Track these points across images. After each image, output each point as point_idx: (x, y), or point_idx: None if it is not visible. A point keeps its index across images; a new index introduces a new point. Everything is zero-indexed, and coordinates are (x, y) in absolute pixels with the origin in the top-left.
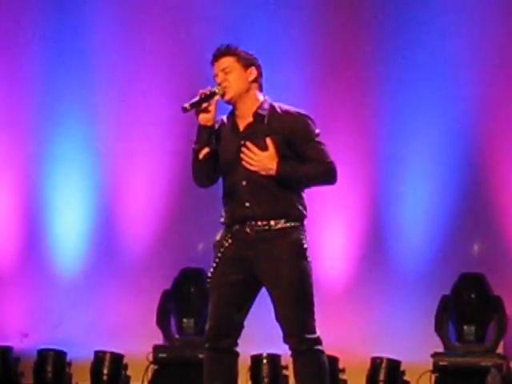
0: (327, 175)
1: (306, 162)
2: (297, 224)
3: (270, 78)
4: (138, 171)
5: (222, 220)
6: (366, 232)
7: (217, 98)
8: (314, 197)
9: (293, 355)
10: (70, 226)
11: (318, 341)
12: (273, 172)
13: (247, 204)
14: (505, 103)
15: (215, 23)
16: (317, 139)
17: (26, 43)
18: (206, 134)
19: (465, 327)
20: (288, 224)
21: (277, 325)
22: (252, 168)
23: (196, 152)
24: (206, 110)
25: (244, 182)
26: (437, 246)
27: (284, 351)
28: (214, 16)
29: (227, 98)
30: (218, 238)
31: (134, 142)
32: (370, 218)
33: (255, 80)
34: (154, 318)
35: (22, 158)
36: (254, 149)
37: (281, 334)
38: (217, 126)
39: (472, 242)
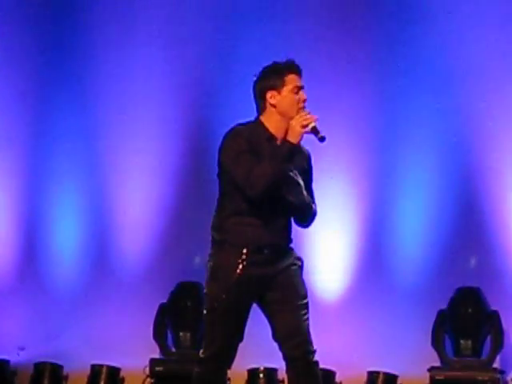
0: (309, 211)
1: None
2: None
3: None
4: (134, 185)
5: (226, 237)
6: (363, 246)
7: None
8: None
9: (294, 367)
10: (67, 239)
11: (315, 353)
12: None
13: (280, 232)
14: (503, 116)
15: (212, 32)
16: (313, 181)
17: (23, 55)
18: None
19: (461, 341)
20: (291, 245)
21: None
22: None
23: (275, 184)
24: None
25: (281, 210)
26: (434, 261)
27: (281, 365)
28: (210, 25)
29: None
30: (224, 259)
31: (131, 157)
32: (367, 231)
33: None
34: (151, 332)
35: (18, 172)
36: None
37: (277, 347)
38: (249, 132)
39: (469, 257)
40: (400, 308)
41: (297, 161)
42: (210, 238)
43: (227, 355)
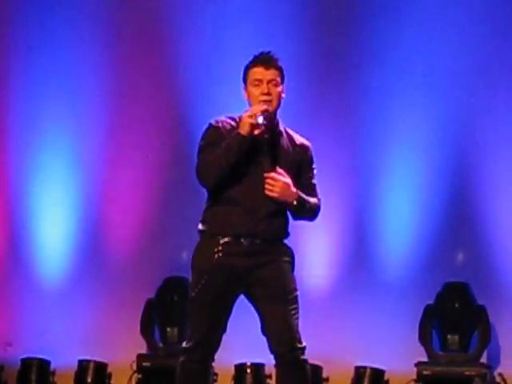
0: (317, 212)
1: (302, 190)
2: (286, 239)
3: None
4: (122, 181)
5: (207, 228)
6: (350, 241)
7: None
8: None
9: (281, 364)
10: (54, 235)
11: (304, 350)
12: (292, 199)
13: (263, 221)
14: (491, 113)
15: (203, 37)
16: (315, 171)
17: (13, 53)
18: (246, 148)
19: (448, 336)
20: (282, 238)
21: (260, 333)
22: (273, 195)
23: (228, 161)
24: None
25: (266, 201)
26: (421, 256)
27: (268, 360)
28: (198, 28)
29: (271, 110)
30: (202, 249)
31: (119, 152)
32: (354, 227)
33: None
34: (138, 327)
35: (6, 166)
36: (278, 177)
37: (265, 343)
38: (228, 126)
39: (456, 252)
40: (387, 303)
41: (287, 154)
42: None
43: (209, 346)
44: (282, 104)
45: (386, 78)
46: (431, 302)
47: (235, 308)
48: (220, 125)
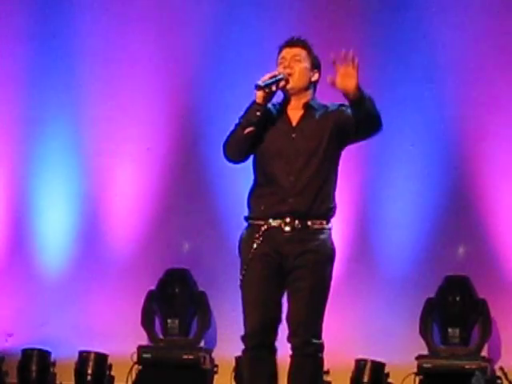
0: (379, 117)
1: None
2: (328, 225)
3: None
4: (123, 172)
5: (250, 214)
6: (351, 234)
7: (282, 83)
8: None
9: (293, 356)
10: (55, 226)
11: (321, 347)
12: (355, 88)
13: (290, 200)
14: (490, 108)
15: (202, 26)
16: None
17: (12, 43)
18: (260, 113)
19: (449, 330)
20: (323, 226)
21: None
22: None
23: (243, 126)
24: (270, 91)
25: (292, 178)
26: (422, 249)
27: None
28: (201, 19)
29: (289, 86)
30: (245, 235)
31: (120, 144)
32: (355, 220)
33: (315, 83)
34: (139, 319)
35: (7, 158)
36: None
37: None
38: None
39: (457, 245)
40: (388, 296)
41: (326, 117)
42: None
43: (264, 333)
44: (312, 82)
45: (387, 72)
46: (432, 295)
47: (233, 298)
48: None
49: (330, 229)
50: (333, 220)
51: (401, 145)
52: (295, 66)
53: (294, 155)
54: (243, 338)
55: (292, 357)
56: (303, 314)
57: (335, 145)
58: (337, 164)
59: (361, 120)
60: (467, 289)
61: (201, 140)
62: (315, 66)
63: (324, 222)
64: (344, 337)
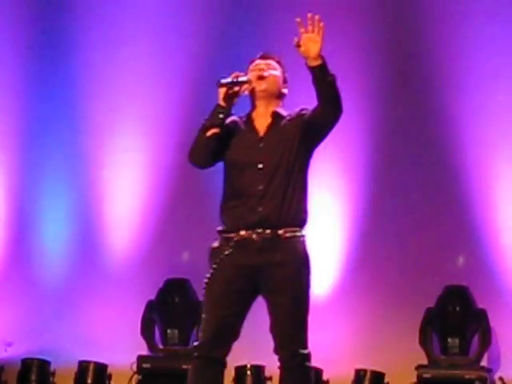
0: (340, 95)
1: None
2: (301, 233)
3: None
4: (123, 182)
5: (222, 227)
6: (350, 244)
7: (246, 86)
8: None
9: (281, 368)
10: (54, 235)
11: (308, 357)
12: (318, 52)
13: (260, 209)
14: (491, 113)
15: (202, 33)
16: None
17: (12, 52)
18: (222, 115)
19: (449, 340)
20: (295, 234)
21: (261, 336)
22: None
23: (205, 128)
24: (233, 93)
25: (260, 187)
26: (421, 259)
27: (268, 362)
28: (200, 26)
29: (261, 87)
30: (215, 244)
31: (119, 153)
32: (355, 230)
33: (284, 96)
34: (139, 328)
35: (6, 169)
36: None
37: (265, 344)
38: (227, 120)
39: (456, 255)
40: (388, 306)
41: (292, 122)
42: None
43: (217, 345)
44: (282, 93)
45: (385, 82)
46: (431, 305)
47: None
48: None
49: (303, 236)
50: (333, 230)
51: (402, 153)
52: (270, 71)
53: (261, 165)
54: (196, 346)
55: (280, 369)
56: (287, 327)
57: (304, 151)
58: (306, 171)
59: (320, 94)
60: (467, 298)
61: None
62: (285, 80)
63: (297, 230)
64: (343, 347)
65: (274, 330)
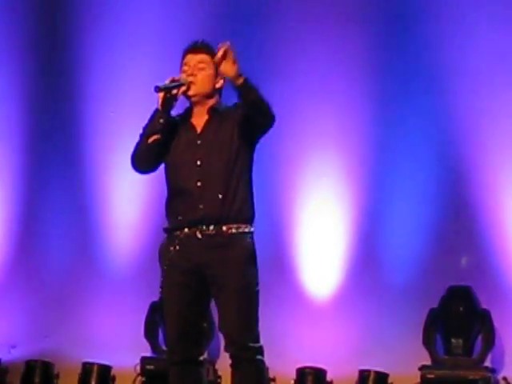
0: (269, 106)
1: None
2: (248, 229)
3: None
4: (123, 183)
5: (167, 225)
6: (354, 244)
7: (183, 89)
8: (304, 207)
9: (233, 363)
10: (58, 237)
11: (260, 350)
12: (236, 72)
13: (201, 206)
14: (492, 116)
15: (196, 34)
16: None
17: (11, 54)
18: (163, 120)
19: (452, 340)
20: (240, 230)
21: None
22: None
23: (147, 135)
24: (171, 96)
25: (199, 183)
26: (425, 259)
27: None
28: (193, 26)
29: (190, 93)
30: (162, 246)
31: (119, 155)
32: (359, 230)
33: (220, 89)
34: (142, 330)
35: (5, 171)
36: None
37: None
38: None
39: (460, 255)
40: (391, 307)
41: (229, 117)
42: None
43: (184, 347)
44: (217, 89)
45: (392, 84)
46: (435, 305)
47: None
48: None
49: (249, 232)
50: (337, 230)
51: (406, 155)
52: (198, 73)
53: (200, 161)
54: (166, 353)
55: (232, 365)
56: (235, 321)
57: (242, 145)
58: (249, 165)
59: (248, 108)
60: (470, 299)
61: None
62: (218, 73)
63: (241, 226)
64: (347, 347)
65: (223, 326)
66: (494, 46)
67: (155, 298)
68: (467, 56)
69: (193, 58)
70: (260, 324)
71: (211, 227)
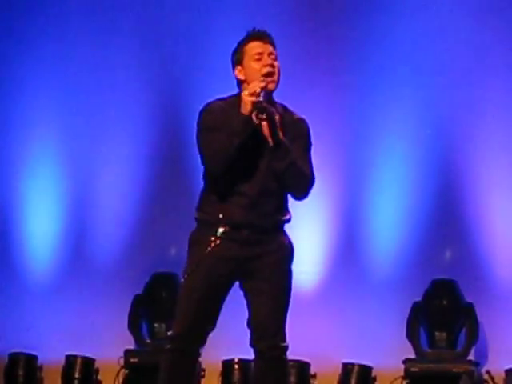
0: (306, 181)
1: None
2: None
3: None
4: (109, 176)
5: (205, 217)
6: (337, 237)
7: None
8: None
9: (259, 360)
10: (41, 229)
11: (286, 349)
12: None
13: (255, 211)
14: (480, 110)
15: (188, 30)
16: (311, 151)
17: (5, 48)
18: (251, 127)
19: (436, 334)
20: (284, 232)
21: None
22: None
23: (235, 146)
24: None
25: (258, 188)
26: (409, 253)
27: None
28: (186, 22)
29: (272, 87)
30: (199, 235)
31: (108, 147)
32: (341, 223)
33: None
34: (126, 323)
35: None
36: None
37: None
38: (218, 108)
39: (444, 249)
40: (375, 300)
41: (289, 130)
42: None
43: (195, 337)
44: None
45: (371, 76)
46: (419, 299)
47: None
48: (212, 108)
49: (285, 232)
50: (319, 223)
51: (389, 148)
52: (275, 65)
53: (265, 167)
54: (171, 338)
55: (257, 361)
56: (272, 319)
57: None
58: None
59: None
60: (454, 293)
61: (188, 143)
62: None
63: (281, 228)
64: (331, 341)
65: (255, 321)
66: (475, 40)
67: (139, 291)
68: (449, 48)
69: (267, 48)
70: (241, 316)
71: (257, 229)
